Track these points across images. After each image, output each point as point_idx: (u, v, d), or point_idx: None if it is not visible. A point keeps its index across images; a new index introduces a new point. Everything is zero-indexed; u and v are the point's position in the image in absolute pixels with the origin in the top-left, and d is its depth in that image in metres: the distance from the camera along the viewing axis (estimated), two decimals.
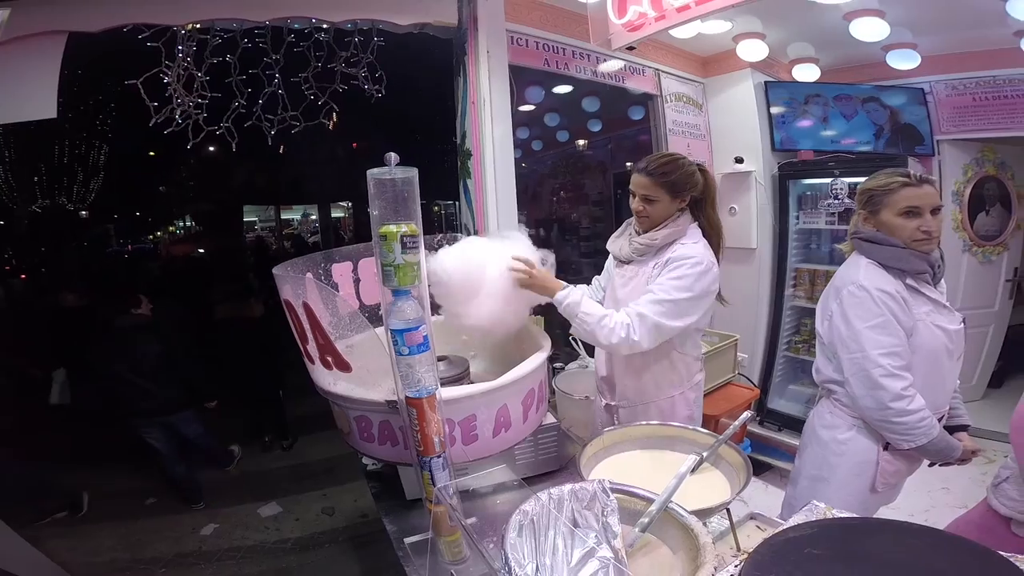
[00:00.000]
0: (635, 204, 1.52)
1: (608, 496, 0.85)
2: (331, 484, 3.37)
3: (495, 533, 1.08)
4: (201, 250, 10.32)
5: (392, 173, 0.87)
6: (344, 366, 0.97)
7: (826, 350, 1.53)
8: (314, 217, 15.40)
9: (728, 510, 1.05)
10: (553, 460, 1.43)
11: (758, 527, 1.13)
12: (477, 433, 1.08)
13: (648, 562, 0.82)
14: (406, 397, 0.81)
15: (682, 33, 2.82)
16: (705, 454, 1.09)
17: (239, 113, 2.11)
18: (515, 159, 2.64)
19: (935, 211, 1.36)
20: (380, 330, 0.90)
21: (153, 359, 2.96)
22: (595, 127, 4.51)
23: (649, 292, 1.42)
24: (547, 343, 1.33)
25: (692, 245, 1.47)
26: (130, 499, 3.23)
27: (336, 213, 15.49)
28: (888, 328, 1.35)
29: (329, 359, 0.98)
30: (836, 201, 3.09)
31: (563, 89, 3.37)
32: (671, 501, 0.86)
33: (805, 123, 3.37)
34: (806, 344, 3.41)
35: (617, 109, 3.83)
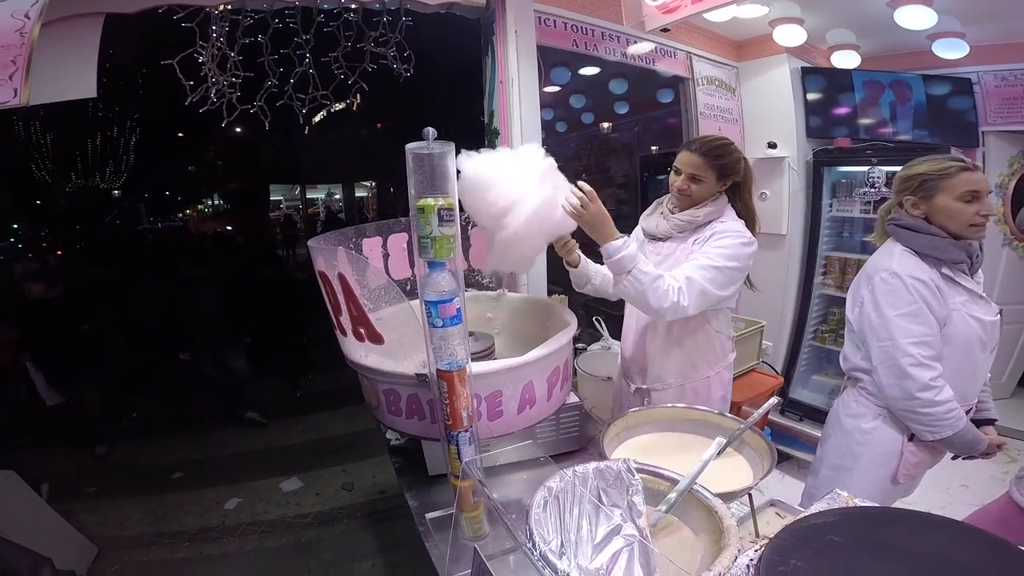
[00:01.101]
0: (679, 182, 1.51)
1: (634, 476, 0.86)
2: (351, 460, 3.45)
3: (515, 510, 1.11)
4: (229, 227, 10.56)
5: (430, 148, 0.89)
6: (376, 338, 0.99)
7: (855, 338, 1.52)
8: (338, 196, 15.59)
9: (750, 496, 1.05)
10: (575, 440, 1.44)
11: (778, 514, 1.13)
12: (502, 409, 1.09)
13: (670, 542, 0.83)
14: (437, 370, 0.82)
15: (717, 16, 2.75)
16: (731, 438, 1.09)
17: (271, 92, 2.13)
18: (540, 140, 2.62)
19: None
20: (413, 303, 0.92)
21: (210, 307, 3.83)
22: (622, 109, 4.42)
23: (695, 259, 1.42)
24: (573, 321, 1.33)
25: (733, 222, 1.51)
26: (158, 473, 3.35)
27: (360, 192, 15.65)
28: (920, 316, 1.33)
29: (362, 331, 1.00)
30: (872, 189, 3.01)
31: (590, 71, 3.31)
32: (696, 483, 0.87)
33: (842, 110, 3.27)
34: (833, 334, 3.35)
35: (645, 91, 3.76)
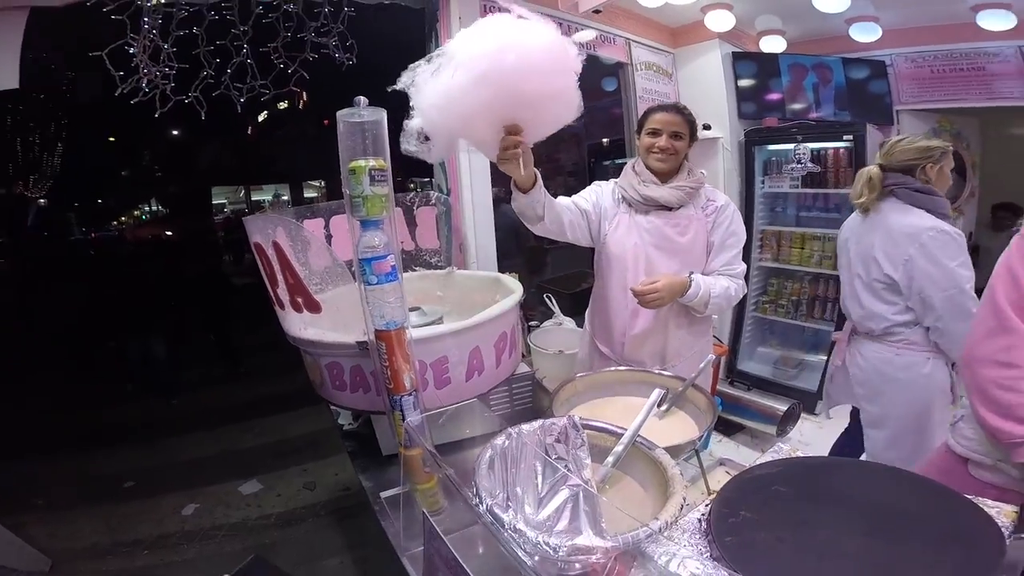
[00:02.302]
0: (663, 141, 1.55)
1: (578, 431, 0.87)
2: (312, 459, 3.37)
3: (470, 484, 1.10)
4: (168, 233, 10.05)
5: (361, 115, 0.87)
6: (314, 305, 0.96)
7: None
8: (286, 197, 15.04)
9: (698, 454, 1.09)
10: (529, 411, 1.45)
11: (727, 472, 1.18)
12: (449, 376, 1.09)
13: (620, 497, 0.85)
14: (376, 331, 0.81)
15: (650, 2, 2.82)
16: (671, 392, 1.13)
17: (208, 84, 2.03)
18: None
19: None
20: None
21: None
22: None
23: (732, 247, 1.61)
24: (519, 288, 1.34)
25: (719, 193, 1.66)
26: (106, 483, 3.18)
27: (309, 193, 15.15)
28: (968, 264, 1.55)
29: (299, 300, 0.97)
30: (799, 165, 3.19)
31: None
32: (639, 436, 0.89)
33: (770, 92, 3.45)
34: (772, 304, 3.53)
35: (591, 80, 3.82)
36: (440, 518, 1.03)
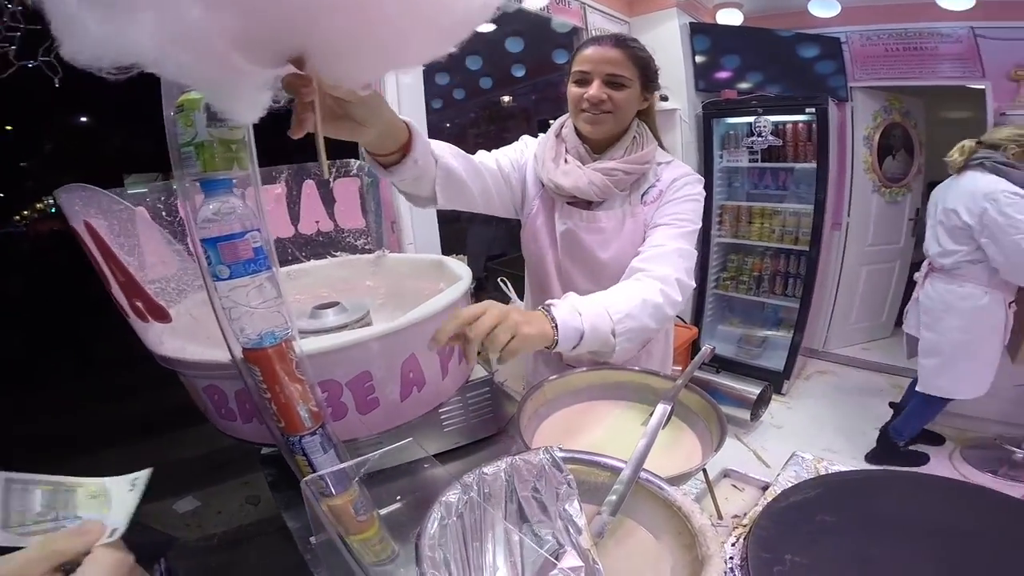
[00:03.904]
0: (594, 89, 1.04)
1: (561, 471, 0.61)
2: (252, 471, 2.98)
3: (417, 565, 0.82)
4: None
5: None
6: (159, 313, 0.64)
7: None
8: None
9: (705, 471, 0.85)
10: (490, 423, 1.17)
11: (735, 487, 0.94)
12: (377, 396, 0.78)
13: (626, 553, 0.59)
14: (244, 351, 0.51)
15: None
16: (672, 399, 0.87)
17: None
18: (437, 109, 2.26)
19: None
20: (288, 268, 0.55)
21: None
22: (518, 72, 4.25)
23: (668, 226, 1.05)
24: (467, 273, 1.03)
25: (676, 164, 1.14)
26: None
27: None
28: None
29: (139, 304, 0.64)
30: (760, 139, 3.07)
31: (486, 27, 3.04)
32: (644, 469, 0.64)
33: (727, 66, 3.36)
34: (733, 280, 3.45)
35: (541, 52, 3.61)
36: (389, 568, 0.75)
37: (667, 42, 3.21)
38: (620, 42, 1.05)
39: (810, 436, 2.74)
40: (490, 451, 1.11)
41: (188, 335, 0.72)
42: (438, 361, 0.88)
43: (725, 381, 2.79)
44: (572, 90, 1.08)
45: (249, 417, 0.80)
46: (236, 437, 0.88)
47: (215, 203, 0.46)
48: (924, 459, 2.55)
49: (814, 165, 3.03)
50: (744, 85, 3.35)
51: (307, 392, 0.54)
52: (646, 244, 1.05)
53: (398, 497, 0.84)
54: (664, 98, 3.17)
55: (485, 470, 0.63)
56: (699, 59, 3.30)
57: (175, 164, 0.47)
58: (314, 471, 0.65)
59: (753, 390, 2.71)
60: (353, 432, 0.79)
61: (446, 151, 0.98)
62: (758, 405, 2.72)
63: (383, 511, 0.77)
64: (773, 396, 2.94)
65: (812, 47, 3.30)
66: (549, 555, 0.47)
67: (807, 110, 2.98)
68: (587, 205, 1.13)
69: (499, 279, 1.86)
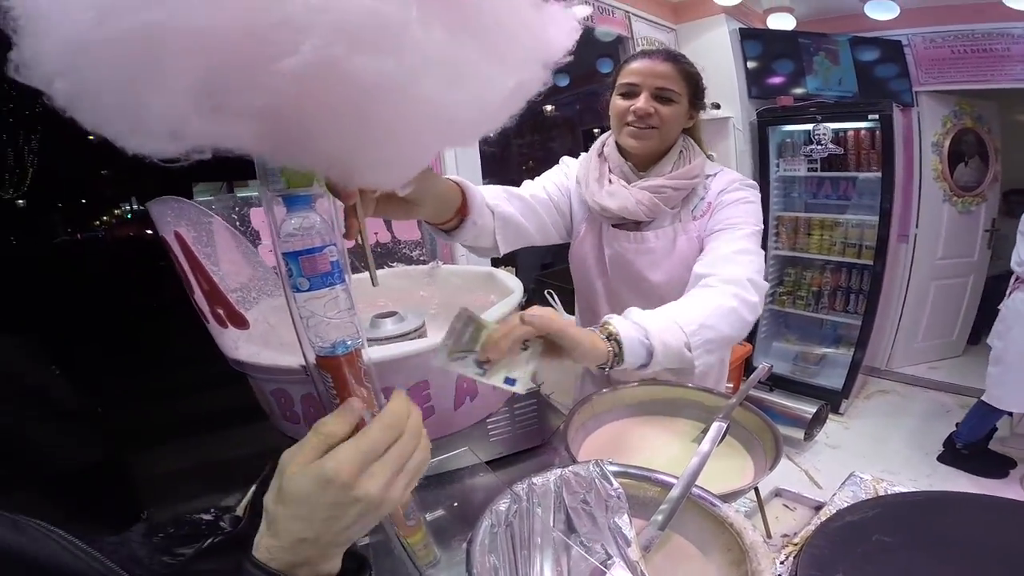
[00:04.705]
0: (641, 103, 1.01)
1: (611, 484, 0.62)
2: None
3: (472, 525, 0.85)
4: (149, 231, 9.74)
5: None
6: (239, 320, 0.70)
7: None
8: None
9: (756, 490, 0.83)
10: (534, 434, 1.19)
11: (786, 506, 0.92)
12: (433, 405, 0.82)
13: (672, 568, 0.59)
14: (317, 358, 0.55)
15: None
16: (727, 416, 0.86)
17: None
18: None
19: None
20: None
21: None
22: (563, 82, 4.27)
23: (725, 230, 1.00)
24: (518, 287, 1.06)
25: (724, 171, 1.11)
26: None
27: None
28: None
29: (220, 311, 0.70)
30: (819, 147, 2.96)
31: None
32: (695, 485, 0.64)
33: (781, 71, 3.27)
34: (790, 296, 3.32)
35: (585, 61, 3.61)
36: (436, 570, 0.77)
37: (716, 49, 3.16)
38: (671, 56, 1.04)
39: (868, 457, 2.60)
40: (533, 463, 1.13)
41: (262, 341, 0.77)
42: None
43: (779, 399, 2.68)
44: (617, 103, 1.06)
45: (312, 420, 0.85)
46: (297, 439, 0.93)
47: (296, 218, 0.51)
48: (1006, 466, 2.42)
49: (878, 174, 2.89)
50: (800, 90, 3.23)
51: (372, 399, 0.57)
52: (706, 250, 1.00)
53: (447, 502, 0.88)
54: (716, 106, 3.11)
55: (535, 480, 0.64)
56: (751, 65, 3.22)
57: (261, 179, 0.51)
58: None
59: (808, 409, 2.60)
60: None
61: (500, 197, 0.97)
62: (813, 424, 2.60)
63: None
64: (829, 416, 2.81)
65: (871, 50, 3.17)
66: (598, 565, 0.49)
67: (870, 116, 2.86)
68: (635, 226, 1.10)
69: (546, 291, 1.88)
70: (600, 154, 1.13)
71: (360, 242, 0.55)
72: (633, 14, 3.03)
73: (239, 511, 0.56)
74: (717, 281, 0.91)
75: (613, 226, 1.12)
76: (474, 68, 0.42)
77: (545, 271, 3.33)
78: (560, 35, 0.50)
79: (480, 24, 0.41)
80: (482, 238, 0.94)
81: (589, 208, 1.12)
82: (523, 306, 1.11)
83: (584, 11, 2.77)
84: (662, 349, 0.77)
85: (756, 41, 3.21)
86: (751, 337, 3.22)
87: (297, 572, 0.39)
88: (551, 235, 1.13)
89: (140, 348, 4.58)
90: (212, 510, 0.56)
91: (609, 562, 0.50)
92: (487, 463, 1.12)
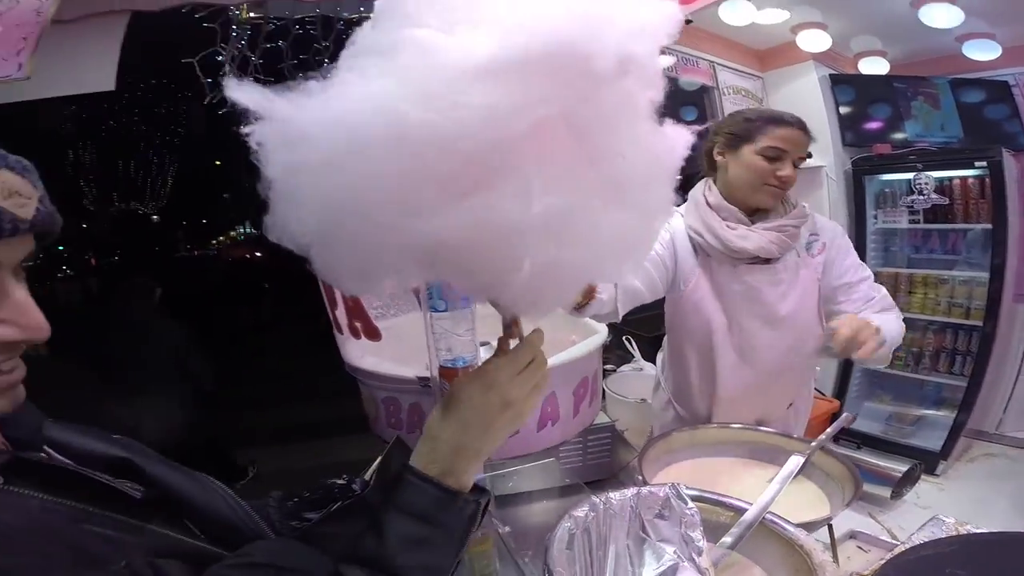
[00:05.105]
0: (788, 171, 1.13)
1: (686, 503, 0.68)
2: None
3: (531, 548, 0.92)
4: (259, 254, 10.83)
5: None
6: (373, 332, 0.85)
7: None
8: None
9: (830, 527, 0.85)
10: (605, 466, 1.25)
11: (860, 548, 0.92)
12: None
13: None
14: (440, 367, 0.67)
15: (735, 19, 2.64)
16: (810, 454, 0.89)
17: None
18: None
19: None
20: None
21: None
22: None
23: (865, 275, 1.24)
24: (603, 329, 1.16)
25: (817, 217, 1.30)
26: None
27: None
28: None
29: (358, 325, 0.85)
30: (921, 197, 2.78)
31: None
32: (769, 511, 0.68)
33: (877, 116, 3.11)
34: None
35: (668, 109, 3.65)
36: None
37: (805, 96, 3.07)
38: (803, 126, 1.15)
39: (967, 518, 2.31)
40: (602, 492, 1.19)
41: (381, 352, 0.92)
42: (573, 401, 1.00)
43: (866, 457, 2.49)
44: (760, 164, 1.13)
45: (412, 428, 0.98)
46: None
47: None
48: None
49: (989, 226, 2.67)
50: (900, 135, 3.05)
51: None
52: (861, 292, 1.22)
53: (512, 520, 0.95)
54: (807, 155, 3.05)
55: (612, 495, 0.72)
56: (843, 110, 3.09)
57: None
58: None
59: (899, 467, 2.38)
60: (495, 453, 0.93)
61: None
62: (903, 483, 2.37)
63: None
64: (923, 476, 2.55)
65: (975, 92, 2.96)
66: (669, 564, 0.55)
67: (976, 163, 2.66)
68: (765, 262, 1.19)
69: (624, 337, 1.95)
70: (707, 202, 1.21)
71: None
72: (718, 64, 3.05)
73: (367, 476, 0.66)
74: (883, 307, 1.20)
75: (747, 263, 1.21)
76: (634, 232, 0.51)
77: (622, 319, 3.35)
78: (678, 150, 0.53)
79: (635, 198, 0.48)
80: (604, 307, 1.03)
81: (701, 254, 1.21)
82: (606, 347, 1.19)
83: (668, 61, 2.88)
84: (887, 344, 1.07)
85: (848, 86, 3.09)
86: (840, 395, 3.02)
87: (446, 479, 0.49)
88: (658, 291, 1.20)
89: (236, 360, 4.92)
90: (344, 476, 0.66)
91: (679, 566, 0.56)
92: (553, 490, 1.18)
